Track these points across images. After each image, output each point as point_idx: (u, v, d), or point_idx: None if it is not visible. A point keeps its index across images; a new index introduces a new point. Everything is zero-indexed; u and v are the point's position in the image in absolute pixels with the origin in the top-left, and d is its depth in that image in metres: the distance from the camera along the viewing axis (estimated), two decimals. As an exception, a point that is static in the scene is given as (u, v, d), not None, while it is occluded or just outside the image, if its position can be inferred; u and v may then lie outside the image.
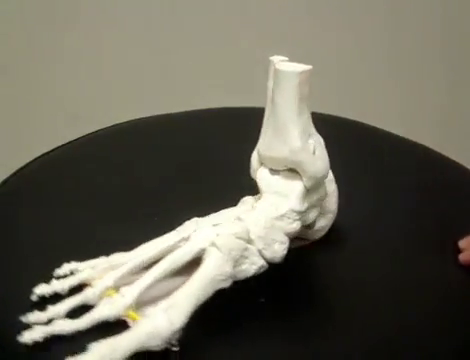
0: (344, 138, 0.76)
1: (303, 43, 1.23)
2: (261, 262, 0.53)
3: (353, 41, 1.31)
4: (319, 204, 0.57)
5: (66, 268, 0.55)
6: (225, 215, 0.56)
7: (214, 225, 0.54)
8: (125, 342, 0.48)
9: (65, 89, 1.32)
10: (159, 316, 0.49)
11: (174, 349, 0.49)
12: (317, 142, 0.55)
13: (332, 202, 0.61)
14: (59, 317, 0.51)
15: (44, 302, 0.52)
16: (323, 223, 0.61)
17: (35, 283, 0.52)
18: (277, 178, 0.55)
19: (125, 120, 0.77)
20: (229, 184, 0.62)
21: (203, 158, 0.70)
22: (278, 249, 0.54)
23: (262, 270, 0.54)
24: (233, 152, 0.58)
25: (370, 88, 1.35)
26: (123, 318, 0.51)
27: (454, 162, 0.75)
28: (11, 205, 0.61)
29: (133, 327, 0.49)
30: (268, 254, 0.53)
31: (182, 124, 0.77)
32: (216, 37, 1.27)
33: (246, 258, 0.53)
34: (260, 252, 0.53)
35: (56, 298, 0.52)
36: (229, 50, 1.26)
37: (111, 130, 0.75)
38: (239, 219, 0.54)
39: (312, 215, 0.57)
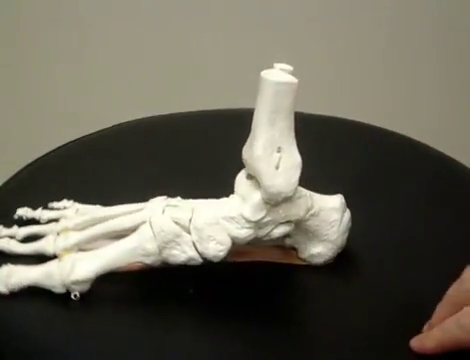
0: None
1: (304, 43, 1.13)
2: (192, 253, 0.54)
3: (354, 41, 1.21)
4: (289, 223, 0.55)
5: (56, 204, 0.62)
6: (198, 202, 0.57)
7: (169, 205, 0.55)
8: (24, 273, 0.53)
9: (64, 90, 1.32)
10: (56, 262, 0.53)
11: (73, 297, 0.53)
12: (287, 159, 0.53)
13: (332, 231, 0.58)
14: (16, 237, 0.58)
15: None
16: (319, 249, 0.58)
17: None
18: (247, 183, 0.55)
19: (125, 120, 0.78)
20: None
21: (203, 158, 0.71)
22: (212, 247, 0.54)
23: (193, 262, 0.55)
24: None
25: (376, 89, 1.25)
26: (58, 255, 0.56)
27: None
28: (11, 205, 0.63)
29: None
30: (200, 248, 0.54)
31: (183, 124, 0.77)
32: (219, 37, 1.22)
33: (178, 244, 0.54)
34: (194, 244, 0.54)
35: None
36: (232, 51, 1.21)
37: (111, 130, 0.77)
38: (193, 208, 0.55)
39: (277, 231, 0.55)
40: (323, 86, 1.29)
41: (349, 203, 0.59)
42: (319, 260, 0.59)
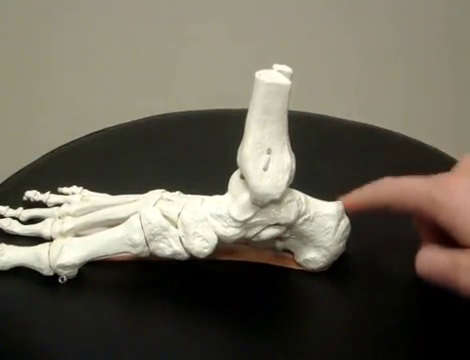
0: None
1: (305, 44, 1.07)
2: (177, 248, 0.54)
3: (354, 42, 1.15)
4: (279, 226, 0.55)
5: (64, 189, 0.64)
6: (192, 197, 0.58)
7: (162, 199, 0.56)
8: (14, 252, 0.55)
9: (64, 90, 1.31)
10: (47, 245, 0.55)
11: (60, 281, 0.55)
12: (277, 162, 0.52)
13: (327, 238, 0.57)
14: (19, 218, 0.60)
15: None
16: (313, 255, 0.58)
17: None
18: (240, 183, 0.55)
19: (124, 121, 0.79)
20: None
21: (204, 158, 0.71)
22: (197, 243, 0.54)
23: (180, 257, 0.55)
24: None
25: (379, 89, 1.21)
26: (54, 239, 0.57)
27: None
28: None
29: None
30: (186, 243, 0.54)
31: (183, 124, 0.77)
32: (220, 37, 1.20)
33: (165, 238, 0.55)
34: (180, 239, 0.54)
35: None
36: (232, 51, 1.18)
37: (112, 130, 0.78)
38: (184, 203, 0.55)
39: (265, 233, 0.55)
40: (324, 86, 1.27)
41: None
42: (313, 266, 0.58)
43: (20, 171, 0.69)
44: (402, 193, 0.53)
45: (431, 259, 0.50)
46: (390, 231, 0.61)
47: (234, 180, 0.55)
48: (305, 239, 0.57)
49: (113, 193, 0.62)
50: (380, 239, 0.61)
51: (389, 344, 0.53)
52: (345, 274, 0.58)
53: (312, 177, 0.62)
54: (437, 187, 0.50)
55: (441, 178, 0.51)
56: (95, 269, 0.56)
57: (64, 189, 0.64)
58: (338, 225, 0.57)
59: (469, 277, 0.47)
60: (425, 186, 0.51)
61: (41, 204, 0.63)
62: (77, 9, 1.33)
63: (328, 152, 0.72)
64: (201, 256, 0.55)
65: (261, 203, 0.53)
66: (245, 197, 0.53)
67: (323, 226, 0.57)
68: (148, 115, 0.80)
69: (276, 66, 0.53)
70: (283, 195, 0.53)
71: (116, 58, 1.36)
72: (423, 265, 0.50)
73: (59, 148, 0.74)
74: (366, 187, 0.56)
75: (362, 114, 0.79)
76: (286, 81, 0.52)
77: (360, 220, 0.59)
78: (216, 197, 0.55)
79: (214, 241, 0.54)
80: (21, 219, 0.61)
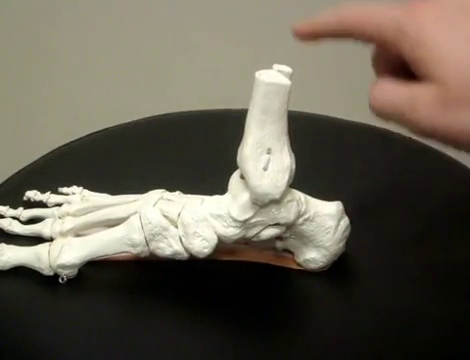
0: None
1: (305, 44, 1.06)
2: (177, 247, 0.55)
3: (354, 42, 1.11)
4: (279, 226, 0.55)
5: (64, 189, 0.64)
6: (192, 197, 0.58)
7: (162, 199, 0.56)
8: (15, 252, 0.55)
9: (63, 90, 1.31)
10: (47, 245, 0.55)
11: (60, 281, 0.55)
12: (277, 162, 0.52)
13: (326, 238, 0.57)
14: (20, 218, 0.60)
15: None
16: (313, 255, 0.58)
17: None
18: (240, 183, 0.55)
19: (124, 121, 0.78)
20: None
21: (204, 158, 0.71)
22: (197, 243, 0.54)
23: (180, 257, 0.55)
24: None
25: None
26: (54, 239, 0.57)
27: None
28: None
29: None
30: (185, 243, 0.54)
31: (183, 124, 0.77)
32: (220, 37, 1.19)
33: (165, 238, 0.55)
34: (180, 239, 0.54)
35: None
36: (233, 51, 1.18)
37: (112, 130, 0.77)
38: (184, 203, 0.55)
39: (265, 233, 0.55)
40: (324, 86, 1.27)
41: (350, 210, 0.58)
42: (313, 266, 0.58)
43: (20, 171, 0.69)
44: (366, 18, 0.47)
45: (386, 91, 0.45)
46: (390, 231, 0.61)
47: (234, 180, 0.55)
48: (305, 239, 0.57)
49: (113, 193, 0.62)
50: (380, 239, 0.61)
51: (389, 344, 0.53)
52: (345, 274, 0.59)
53: (312, 177, 0.62)
54: (405, 15, 0.45)
55: (411, 6, 0.45)
56: (95, 269, 0.56)
57: (64, 189, 0.64)
58: (338, 225, 0.57)
59: (426, 110, 0.43)
60: (391, 13, 0.46)
61: (41, 204, 0.63)
62: (78, 9, 1.33)
63: (328, 152, 0.72)
64: (201, 256, 0.55)
65: (261, 203, 0.53)
66: (245, 197, 0.53)
67: (323, 226, 0.57)
68: (148, 115, 0.80)
69: (276, 66, 0.53)
70: (283, 195, 0.53)
71: (116, 58, 1.36)
72: (377, 98, 0.46)
73: (59, 148, 0.74)
74: (326, 11, 0.50)
75: (362, 114, 0.79)
76: (286, 81, 0.52)
77: (360, 220, 0.59)
78: (216, 197, 0.55)
79: (214, 241, 0.54)
80: (21, 219, 0.61)
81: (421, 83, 0.44)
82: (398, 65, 0.46)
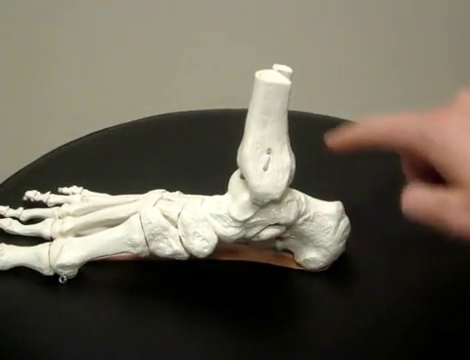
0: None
1: (305, 43, 1.06)
2: (177, 247, 0.54)
3: (354, 42, 1.15)
4: (279, 226, 0.55)
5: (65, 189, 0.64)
6: (192, 197, 0.58)
7: (162, 199, 0.56)
8: (15, 252, 0.55)
9: (63, 90, 1.31)
10: (47, 245, 0.55)
11: (60, 281, 0.55)
12: (277, 162, 0.52)
13: (326, 238, 0.57)
14: (20, 218, 0.60)
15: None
16: (313, 255, 0.58)
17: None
18: (240, 183, 0.55)
19: (125, 121, 0.78)
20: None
21: (204, 158, 0.71)
22: (197, 243, 0.54)
23: (180, 257, 0.55)
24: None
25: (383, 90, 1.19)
26: (54, 239, 0.57)
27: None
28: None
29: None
30: (185, 243, 0.54)
31: (183, 124, 0.77)
32: (221, 37, 1.19)
33: (165, 238, 0.55)
34: (180, 238, 0.54)
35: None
36: (233, 51, 1.17)
37: (112, 130, 0.77)
38: (184, 203, 0.55)
39: (265, 233, 0.55)
40: (324, 86, 1.27)
41: (350, 210, 0.58)
42: (313, 266, 0.58)
43: (20, 171, 0.69)
44: (393, 130, 0.51)
45: (418, 198, 0.48)
46: (390, 231, 0.61)
47: (234, 180, 0.55)
48: (305, 239, 0.57)
49: (113, 193, 0.62)
50: (380, 239, 0.61)
51: (389, 344, 0.53)
52: (345, 274, 0.58)
53: (312, 177, 0.62)
54: (428, 123, 0.48)
55: (433, 114, 0.49)
56: (95, 269, 0.56)
57: (64, 189, 0.64)
58: (338, 225, 0.57)
59: (459, 216, 0.45)
60: (416, 122, 0.49)
61: (41, 204, 0.63)
62: (78, 10, 1.33)
63: (328, 152, 0.72)
64: (201, 256, 0.55)
65: (261, 203, 0.53)
66: (245, 197, 0.53)
67: (323, 226, 0.57)
68: (148, 115, 0.80)
69: (276, 66, 0.53)
70: (283, 195, 0.53)
71: (117, 58, 1.36)
72: (410, 204, 0.48)
73: (59, 148, 0.74)
74: (354, 126, 0.54)
75: (362, 114, 0.79)
76: (286, 81, 0.52)
77: (360, 220, 0.59)
78: (216, 197, 0.55)
79: (214, 241, 0.54)
80: (21, 219, 0.61)
81: (449, 188, 0.46)
82: (427, 169, 0.49)
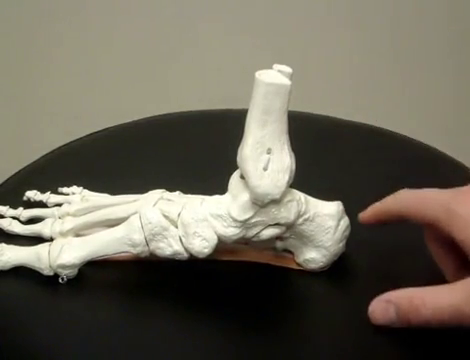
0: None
1: (305, 43, 1.07)
2: (177, 247, 0.54)
3: (354, 42, 1.17)
4: (279, 226, 0.55)
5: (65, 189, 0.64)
6: (192, 197, 0.58)
7: (162, 199, 0.56)
8: (15, 252, 0.55)
9: (63, 90, 1.31)
10: (47, 245, 0.55)
11: (60, 281, 0.55)
12: (277, 162, 0.52)
13: (326, 238, 0.57)
14: (20, 218, 0.60)
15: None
16: (313, 255, 0.58)
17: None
18: (240, 183, 0.55)
19: (125, 121, 0.79)
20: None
21: (204, 158, 0.71)
22: (197, 243, 0.54)
23: (180, 257, 0.55)
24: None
25: (382, 90, 1.22)
26: (54, 239, 0.58)
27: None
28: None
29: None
30: (185, 243, 0.54)
31: (183, 124, 0.78)
32: (221, 37, 1.20)
33: (165, 238, 0.55)
34: (180, 239, 0.54)
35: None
36: (233, 51, 1.18)
37: (113, 130, 0.78)
38: (184, 203, 0.55)
39: (265, 233, 0.55)
40: (324, 86, 1.28)
41: (350, 210, 0.58)
42: (313, 266, 0.58)
43: (20, 171, 0.69)
44: (421, 205, 0.53)
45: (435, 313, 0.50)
46: (390, 231, 0.61)
47: (234, 180, 0.55)
48: (305, 239, 0.57)
49: (113, 193, 0.62)
50: (380, 239, 0.61)
51: (389, 344, 0.53)
52: (345, 274, 0.58)
53: (312, 177, 0.62)
54: (455, 199, 0.50)
55: (460, 190, 0.51)
56: (95, 269, 0.56)
57: (64, 189, 0.64)
58: (338, 225, 0.57)
59: None
60: (443, 197, 0.51)
61: (41, 204, 0.63)
62: (78, 9, 1.33)
63: (328, 152, 0.72)
64: (201, 256, 0.55)
65: (261, 203, 0.53)
66: (245, 197, 0.53)
67: (323, 226, 0.57)
68: (149, 115, 0.80)
69: (276, 66, 0.53)
70: (283, 195, 0.53)
71: (117, 58, 1.36)
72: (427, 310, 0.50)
73: (59, 148, 0.74)
74: (385, 200, 0.57)
75: (362, 114, 0.79)
76: (286, 81, 0.52)
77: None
78: (216, 197, 0.55)
79: (214, 241, 0.54)
80: (21, 219, 0.61)
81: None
82: (450, 247, 0.52)
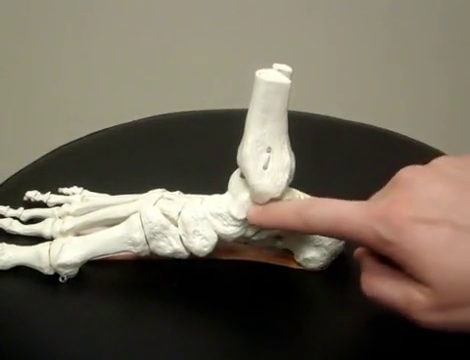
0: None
1: (305, 43, 1.08)
2: (177, 246, 0.55)
3: (354, 42, 1.17)
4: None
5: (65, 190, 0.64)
6: (192, 197, 0.58)
7: (163, 198, 0.56)
8: (15, 251, 0.55)
9: (64, 91, 1.31)
10: (48, 244, 0.55)
11: (60, 280, 0.55)
12: (277, 160, 0.53)
13: (326, 237, 0.57)
14: (20, 218, 0.60)
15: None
16: (313, 254, 0.58)
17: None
18: (240, 182, 0.55)
19: (125, 121, 0.79)
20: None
21: (205, 157, 0.71)
22: (197, 242, 0.54)
23: (180, 256, 0.55)
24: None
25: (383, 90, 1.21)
26: (54, 239, 0.58)
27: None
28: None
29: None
30: (186, 242, 0.54)
31: (184, 124, 0.78)
32: (221, 37, 1.20)
33: (165, 237, 0.55)
34: (180, 237, 0.55)
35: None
36: (234, 51, 1.19)
37: (113, 130, 0.78)
38: (185, 202, 0.56)
39: (265, 231, 0.55)
40: (324, 86, 1.28)
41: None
42: (313, 265, 0.58)
43: (20, 171, 0.69)
44: (338, 223, 0.49)
45: (383, 290, 0.48)
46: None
47: (234, 179, 0.55)
48: (305, 238, 0.57)
49: (113, 193, 0.62)
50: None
51: (389, 344, 0.53)
52: (345, 274, 0.58)
53: (312, 177, 0.62)
54: (380, 223, 0.46)
55: (381, 207, 0.46)
56: (95, 268, 0.56)
57: (64, 189, 0.64)
58: (337, 225, 0.57)
59: (422, 314, 0.45)
60: (365, 220, 0.47)
61: (42, 204, 0.63)
62: (78, 8, 1.33)
63: (328, 152, 0.72)
64: (201, 255, 0.55)
65: (261, 202, 0.53)
66: (245, 196, 0.54)
67: (323, 225, 0.57)
68: (149, 115, 0.80)
69: (276, 65, 0.53)
70: (283, 194, 0.53)
71: (117, 58, 1.36)
72: (374, 294, 0.48)
73: (59, 148, 0.74)
74: (286, 205, 0.53)
75: (362, 114, 0.79)
76: (286, 80, 0.52)
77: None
78: (216, 196, 0.55)
79: (214, 240, 0.54)
80: (22, 219, 0.61)
81: (415, 284, 0.45)
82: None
